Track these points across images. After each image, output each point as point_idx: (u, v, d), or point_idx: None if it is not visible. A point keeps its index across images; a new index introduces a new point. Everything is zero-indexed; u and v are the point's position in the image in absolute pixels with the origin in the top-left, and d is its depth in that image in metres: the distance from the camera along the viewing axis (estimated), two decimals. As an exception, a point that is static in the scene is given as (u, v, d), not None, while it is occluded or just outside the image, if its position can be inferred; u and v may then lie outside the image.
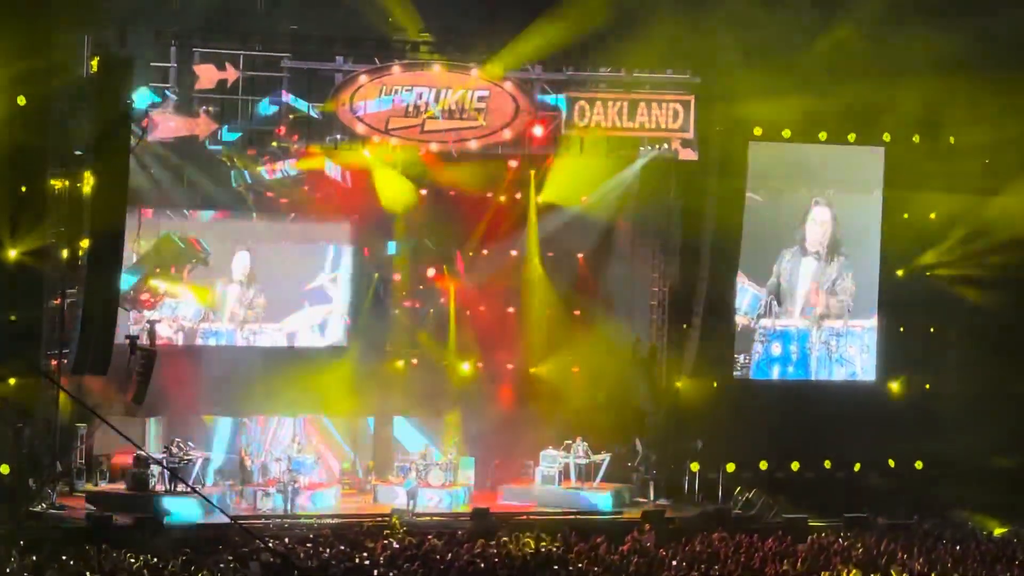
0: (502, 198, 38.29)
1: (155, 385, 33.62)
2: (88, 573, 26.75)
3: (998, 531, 35.02)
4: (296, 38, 34.65)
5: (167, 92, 33.76)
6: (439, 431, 37.46)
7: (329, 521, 33.20)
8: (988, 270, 38.28)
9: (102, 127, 32.19)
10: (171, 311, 36.49)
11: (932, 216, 38.53)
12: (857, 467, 38.40)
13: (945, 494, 36.75)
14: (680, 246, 37.88)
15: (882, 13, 35.39)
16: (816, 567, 29.25)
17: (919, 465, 38.64)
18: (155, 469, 33.76)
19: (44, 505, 32.95)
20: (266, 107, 34.47)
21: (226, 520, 31.37)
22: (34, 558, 27.36)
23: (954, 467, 37.13)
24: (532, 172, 37.63)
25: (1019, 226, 37.45)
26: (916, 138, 37.79)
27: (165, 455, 34.15)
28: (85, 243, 32.51)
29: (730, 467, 37.40)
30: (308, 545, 29.18)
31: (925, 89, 36.18)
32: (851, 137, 37.84)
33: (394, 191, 36.83)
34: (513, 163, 37.27)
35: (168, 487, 33.74)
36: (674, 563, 28.63)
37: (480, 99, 35.28)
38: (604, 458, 36.57)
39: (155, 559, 27.59)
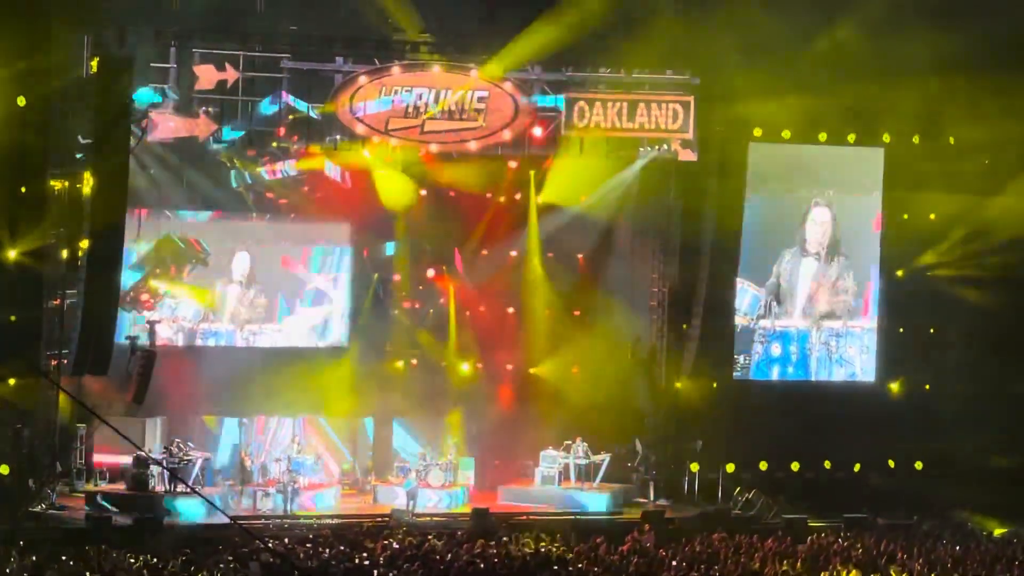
0: (502, 198, 38.34)
1: (155, 385, 33.63)
2: (88, 573, 26.73)
3: (998, 531, 35.02)
4: (296, 39, 34.64)
5: (167, 92, 33.74)
6: (439, 431, 37.45)
7: (329, 521, 33.19)
8: (988, 270, 38.31)
9: (102, 127, 32.22)
10: (171, 311, 36.51)
11: (932, 217, 38.56)
12: (857, 467, 38.43)
13: (945, 494, 36.72)
14: (680, 247, 37.88)
15: (882, 14, 35.35)
16: (816, 567, 29.22)
17: (919, 465, 38.68)
18: (155, 469, 33.74)
19: (44, 505, 32.95)
20: (266, 108, 34.45)
21: (226, 520, 31.38)
22: (34, 558, 27.33)
23: (954, 467, 37.17)
24: (532, 173, 37.66)
25: (1019, 226, 37.46)
26: (916, 139, 37.79)
27: (165, 455, 34.14)
28: (85, 243, 32.53)
29: (730, 467, 37.41)
30: (308, 545, 29.17)
31: (925, 89, 36.20)
32: (851, 138, 37.85)
33: (394, 189, 36.85)
34: (513, 164, 37.29)
35: (168, 488, 33.75)
36: (674, 563, 28.60)
37: (480, 100, 35.28)
38: (604, 459, 36.58)
39: (155, 559, 27.58)
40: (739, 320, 37.90)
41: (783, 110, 36.39)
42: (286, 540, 30.10)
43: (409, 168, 36.79)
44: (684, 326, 37.85)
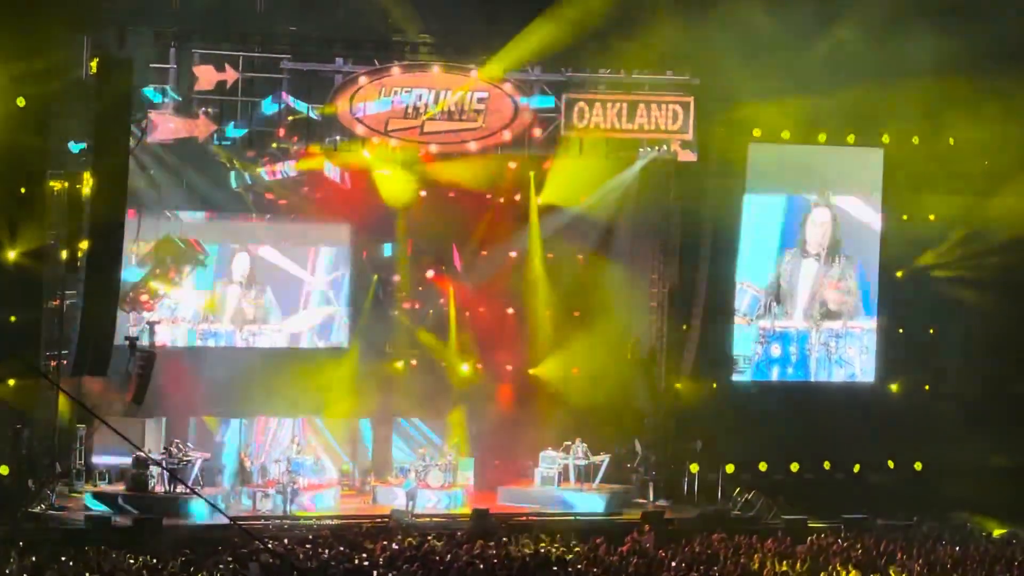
0: (501, 199, 38.34)
1: (154, 386, 33.62)
2: (87, 574, 26.75)
3: (997, 532, 35.06)
4: (295, 39, 34.63)
5: (167, 93, 33.73)
6: (439, 432, 37.47)
7: (328, 522, 33.19)
8: (987, 271, 38.33)
9: (101, 128, 32.17)
10: (170, 312, 36.48)
11: (931, 217, 38.58)
12: (856, 468, 38.46)
13: (944, 495, 36.74)
14: (680, 247, 37.87)
15: (881, 15, 35.36)
16: (815, 568, 29.25)
17: (918, 466, 38.71)
18: (154, 470, 33.75)
19: (43, 506, 32.95)
20: (265, 108, 34.45)
21: (225, 521, 31.38)
22: (33, 559, 27.34)
23: (953, 468, 37.14)
24: (531, 173, 37.64)
25: (1018, 227, 37.46)
26: (915, 139, 37.81)
27: (164, 456, 34.14)
28: (84, 244, 32.49)
29: (729, 468, 37.42)
30: (307, 546, 29.17)
31: (924, 90, 36.19)
32: (850, 138, 37.87)
33: (395, 186, 36.79)
34: (512, 164, 37.27)
35: (167, 488, 33.75)
36: (673, 564, 28.61)
37: (479, 100, 35.29)
38: (603, 459, 36.58)
39: (154, 560, 27.58)
40: (739, 321, 37.92)
41: (783, 111, 36.42)
42: (286, 541, 30.09)
43: (409, 169, 36.76)
44: (684, 327, 37.86)
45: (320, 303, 37.77)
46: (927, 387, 38.97)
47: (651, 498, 37.05)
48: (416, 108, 34.97)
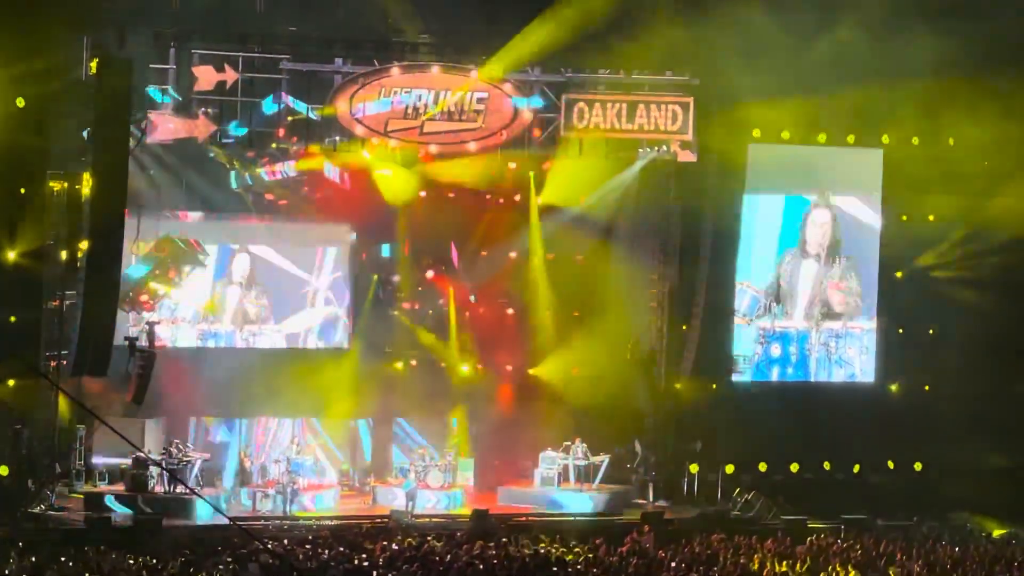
0: (501, 199, 38.35)
1: (154, 386, 33.61)
2: (87, 574, 26.76)
3: (997, 532, 35.07)
4: (295, 40, 34.61)
5: (166, 93, 33.73)
6: (439, 432, 37.48)
7: (328, 522, 33.20)
8: (987, 271, 38.32)
9: (101, 129, 32.18)
10: (170, 312, 36.47)
11: (931, 218, 38.55)
12: (856, 468, 38.44)
13: (944, 495, 36.76)
14: (679, 248, 37.87)
15: (881, 16, 35.36)
16: (815, 568, 29.26)
17: (918, 466, 38.70)
18: (154, 470, 33.76)
19: (43, 506, 32.95)
20: (265, 109, 34.44)
21: (225, 521, 31.39)
22: (33, 559, 27.36)
23: (953, 468, 37.15)
24: (531, 174, 37.64)
25: (1018, 228, 37.46)
26: (915, 140, 37.78)
27: (164, 456, 34.14)
28: (84, 244, 32.50)
29: (729, 468, 37.41)
30: (307, 546, 29.18)
31: (924, 91, 36.19)
32: (850, 139, 37.86)
33: (395, 184, 36.74)
34: (512, 165, 37.26)
35: (167, 489, 33.76)
36: (673, 564, 28.62)
37: (479, 101, 35.29)
38: (603, 460, 36.58)
39: (154, 560, 27.59)
40: (739, 321, 37.91)
41: (782, 111, 36.40)
42: (285, 541, 30.11)
43: (409, 169, 36.74)
44: (684, 327, 37.85)
45: (320, 303, 37.75)
46: (927, 387, 38.94)
47: (651, 498, 37.05)
48: (416, 108, 34.97)
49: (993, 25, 35.19)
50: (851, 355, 38.45)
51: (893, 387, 38.76)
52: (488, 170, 37.00)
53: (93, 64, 32.64)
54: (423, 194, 37.46)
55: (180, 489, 33.43)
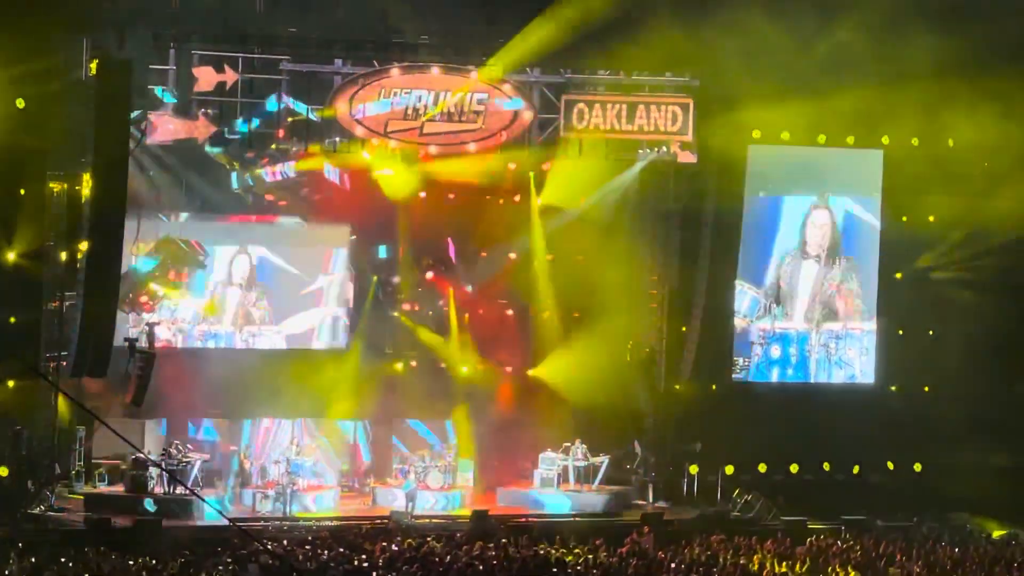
0: (501, 200, 38.35)
1: (154, 387, 33.59)
2: (86, 575, 26.75)
3: (997, 533, 35.06)
4: (295, 40, 34.59)
5: (166, 94, 33.73)
6: (438, 433, 37.47)
7: (328, 523, 33.19)
8: (987, 272, 38.33)
9: (101, 129, 32.17)
10: (170, 313, 36.46)
11: (931, 219, 38.53)
12: (856, 469, 38.43)
13: (944, 496, 36.74)
14: (679, 249, 37.86)
15: (881, 16, 35.35)
16: (815, 569, 29.29)
17: (918, 467, 38.68)
18: (154, 471, 33.76)
19: (43, 507, 32.94)
20: (265, 109, 34.43)
21: (225, 522, 31.38)
22: (33, 560, 27.37)
23: (953, 469, 37.13)
24: (531, 174, 37.64)
25: (1018, 229, 37.46)
26: (915, 141, 37.75)
27: (164, 457, 34.13)
28: (84, 245, 32.50)
29: (729, 469, 37.40)
30: (307, 547, 29.20)
31: (924, 92, 36.13)
32: (850, 140, 37.83)
33: (396, 181, 36.70)
34: (512, 165, 37.25)
35: (167, 489, 33.75)
36: (672, 565, 28.64)
37: (479, 101, 35.28)
38: (603, 460, 36.59)
39: (153, 561, 27.59)
40: (738, 322, 37.91)
41: (782, 112, 36.36)
42: (285, 542, 30.12)
43: (409, 169, 36.72)
44: (683, 328, 37.85)
45: (320, 304, 37.73)
46: (927, 388, 38.94)
47: (651, 499, 37.06)
48: (415, 109, 34.97)
49: (993, 25, 35.20)
50: (851, 356, 38.44)
51: (893, 388, 38.72)
52: (488, 171, 36.98)
53: (93, 65, 32.65)
54: (423, 195, 37.45)
55: (180, 490, 33.42)
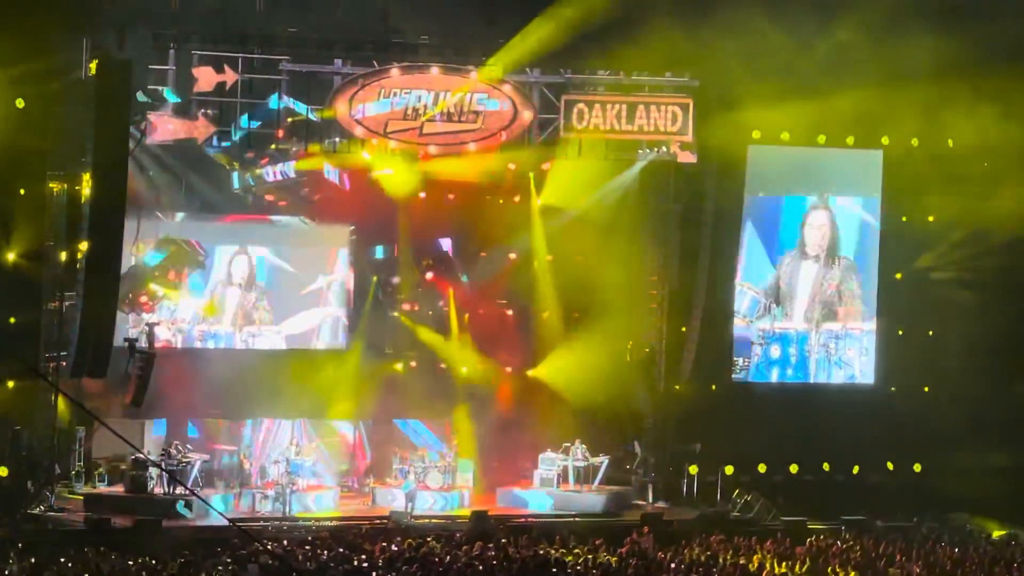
0: (501, 201, 38.36)
1: (153, 387, 33.60)
2: (86, 575, 26.74)
3: (997, 533, 35.05)
4: (294, 41, 34.57)
5: (166, 95, 33.73)
6: (438, 433, 37.47)
7: (327, 523, 33.19)
8: (987, 273, 38.33)
9: (101, 130, 32.17)
10: (170, 313, 36.47)
11: (931, 219, 38.55)
12: (856, 470, 38.43)
13: (944, 496, 36.74)
14: (679, 249, 37.85)
15: (881, 17, 35.34)
16: (815, 570, 29.26)
17: (918, 467, 38.68)
18: (153, 471, 33.75)
19: (42, 507, 32.94)
20: (265, 110, 34.43)
21: (224, 522, 31.38)
22: (32, 560, 27.35)
23: (953, 469, 37.12)
24: (531, 175, 37.65)
25: (1017, 229, 37.45)
26: (915, 141, 37.75)
27: (163, 457, 34.13)
28: (83, 245, 32.51)
29: (729, 470, 37.39)
30: (306, 547, 29.18)
31: (924, 92, 36.14)
32: (850, 140, 37.84)
33: (397, 180, 36.69)
34: (512, 165, 37.26)
35: (167, 490, 33.75)
36: (672, 566, 28.63)
37: (478, 102, 35.27)
38: (603, 461, 36.58)
39: (153, 561, 27.59)
40: (738, 322, 37.91)
41: (782, 112, 36.36)
42: (285, 542, 30.11)
43: (409, 168, 36.72)
44: (683, 328, 37.85)
45: (320, 304, 37.73)
46: (926, 388, 38.93)
47: (650, 499, 37.06)
48: (415, 110, 34.96)
49: (993, 26, 35.18)
50: (851, 356, 38.44)
51: (893, 388, 38.71)
52: (488, 171, 36.99)
53: (93, 65, 32.65)
54: (423, 195, 37.46)
55: (179, 490, 33.41)
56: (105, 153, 32.07)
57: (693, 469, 37.41)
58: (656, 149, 36.39)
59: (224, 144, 34.67)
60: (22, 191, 33.30)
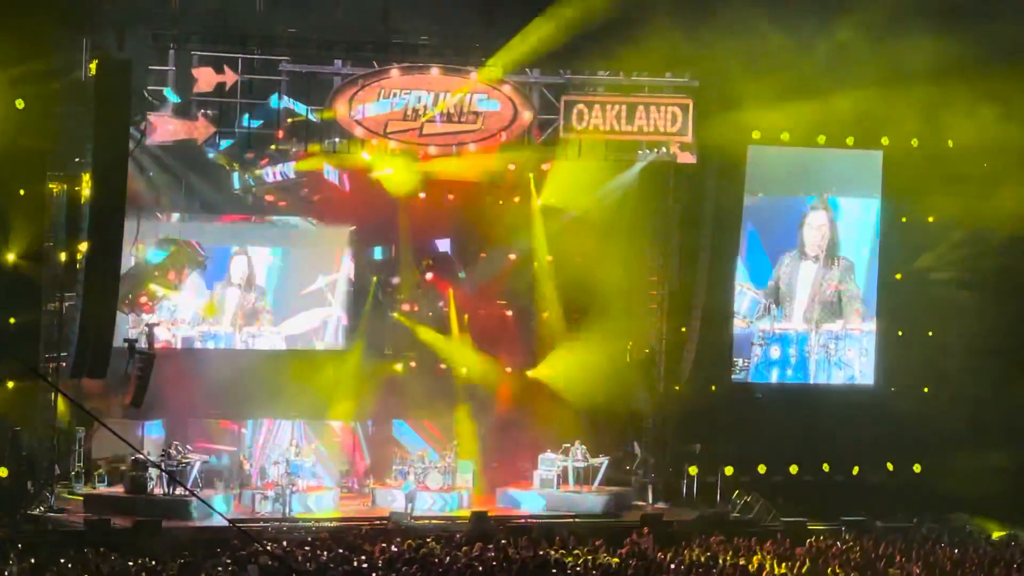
0: (500, 201, 38.36)
1: (153, 388, 33.59)
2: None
3: (996, 534, 35.04)
4: (294, 41, 34.57)
5: (166, 95, 33.72)
6: (438, 434, 37.46)
7: (327, 524, 33.19)
8: (986, 273, 38.33)
9: (101, 130, 32.16)
10: (170, 314, 36.47)
11: (930, 220, 38.55)
12: (856, 470, 38.43)
13: (944, 497, 36.73)
14: (679, 249, 37.85)
15: (881, 17, 35.34)
16: (815, 570, 29.25)
17: (917, 468, 38.67)
18: (153, 472, 33.75)
19: (42, 508, 32.94)
20: (265, 110, 34.42)
21: (224, 523, 31.38)
22: (32, 561, 27.36)
23: (953, 470, 37.11)
24: (531, 175, 37.65)
25: (1017, 229, 37.44)
26: (915, 142, 37.74)
27: (163, 458, 34.12)
28: (83, 246, 32.50)
29: (728, 470, 37.40)
30: (306, 548, 29.19)
31: (924, 93, 36.13)
32: (850, 141, 37.82)
33: (397, 178, 36.67)
34: (512, 166, 37.26)
35: (166, 490, 33.74)
36: (672, 566, 28.62)
37: (478, 102, 35.26)
38: (603, 461, 36.57)
39: (153, 562, 27.59)
40: (738, 323, 37.90)
41: (782, 113, 36.35)
42: (284, 543, 30.11)
43: (409, 169, 36.72)
44: (683, 329, 37.85)
45: (319, 305, 37.74)
46: (926, 389, 38.93)
47: (650, 500, 37.07)
48: (415, 110, 34.95)
49: (993, 26, 35.17)
50: (850, 357, 38.43)
51: (892, 389, 38.70)
52: (488, 172, 36.99)
53: (92, 65, 32.64)
54: (423, 195, 37.47)
55: (179, 491, 33.42)
56: (105, 153, 32.06)
57: (693, 470, 37.41)
58: (656, 149, 36.39)
59: (224, 145, 34.65)
60: (22, 191, 33.29)
